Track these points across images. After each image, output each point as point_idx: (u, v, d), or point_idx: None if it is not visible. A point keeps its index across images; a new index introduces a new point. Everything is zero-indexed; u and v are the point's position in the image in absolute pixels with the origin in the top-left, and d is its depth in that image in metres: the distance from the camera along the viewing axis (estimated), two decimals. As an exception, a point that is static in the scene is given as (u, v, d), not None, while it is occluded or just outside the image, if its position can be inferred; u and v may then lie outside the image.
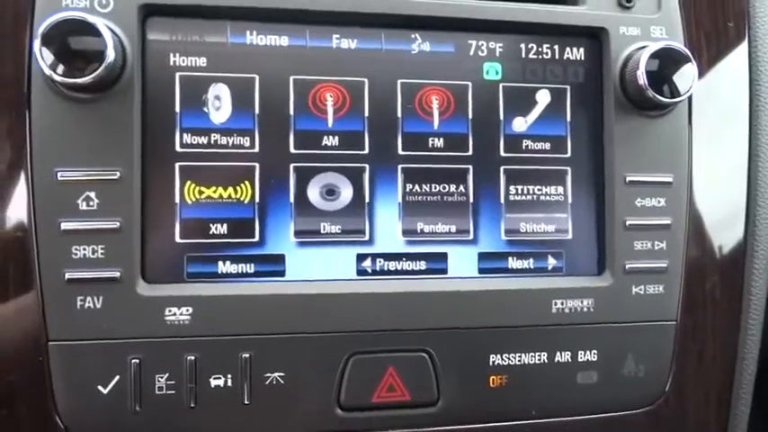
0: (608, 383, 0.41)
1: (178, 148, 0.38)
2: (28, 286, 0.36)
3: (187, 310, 0.37)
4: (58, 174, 0.36)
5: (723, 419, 0.45)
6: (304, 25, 0.40)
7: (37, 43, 0.34)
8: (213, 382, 0.37)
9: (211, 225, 0.39)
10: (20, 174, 0.36)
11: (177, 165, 0.38)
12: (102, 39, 0.34)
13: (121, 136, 0.37)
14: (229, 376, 0.37)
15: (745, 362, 0.45)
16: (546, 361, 0.41)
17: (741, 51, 0.46)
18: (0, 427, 0.37)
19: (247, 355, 0.37)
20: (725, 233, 0.45)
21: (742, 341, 0.45)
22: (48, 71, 0.34)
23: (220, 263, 0.39)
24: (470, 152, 0.41)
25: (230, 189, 0.39)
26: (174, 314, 0.37)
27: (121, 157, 0.37)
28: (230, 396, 0.37)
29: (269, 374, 0.38)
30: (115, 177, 0.36)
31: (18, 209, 0.36)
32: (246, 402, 0.38)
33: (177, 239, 0.38)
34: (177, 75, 0.39)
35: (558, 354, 0.41)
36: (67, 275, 0.36)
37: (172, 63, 0.38)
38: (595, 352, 0.41)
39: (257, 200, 0.39)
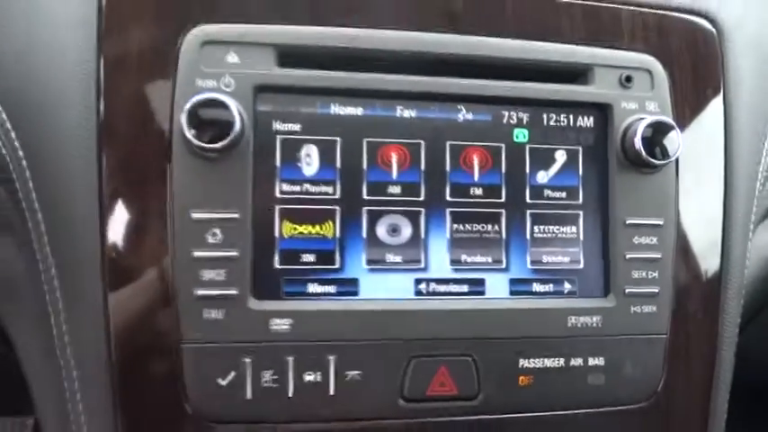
0: (612, 383, 0.52)
1: (278, 195, 0.49)
2: (167, 300, 0.47)
3: (287, 321, 0.47)
4: (192, 213, 0.47)
5: (705, 413, 0.56)
6: (375, 99, 0.51)
7: (183, 117, 0.45)
8: (306, 378, 0.48)
9: (302, 254, 0.50)
10: (163, 214, 0.47)
11: (277, 207, 0.49)
12: (231, 112, 0.45)
13: (239, 185, 0.47)
14: (319, 373, 0.48)
15: (723, 367, 0.56)
16: (563, 365, 0.51)
17: (718, 114, 0.57)
18: (139, 413, 0.47)
19: (332, 357, 0.48)
20: (704, 265, 0.55)
21: (719, 351, 0.56)
22: (191, 138, 0.45)
23: (309, 284, 0.50)
24: (503, 199, 0.52)
25: (317, 226, 0.50)
26: (278, 324, 0.47)
27: (239, 201, 0.47)
28: (319, 389, 0.48)
29: (348, 372, 0.48)
30: (236, 217, 0.47)
31: (161, 241, 0.47)
32: (332, 394, 0.48)
33: (276, 265, 0.49)
34: (278, 137, 0.50)
35: (573, 359, 0.51)
36: (197, 293, 0.47)
37: (274, 129, 0.50)
38: (602, 358, 0.52)
39: (338, 235, 0.50)
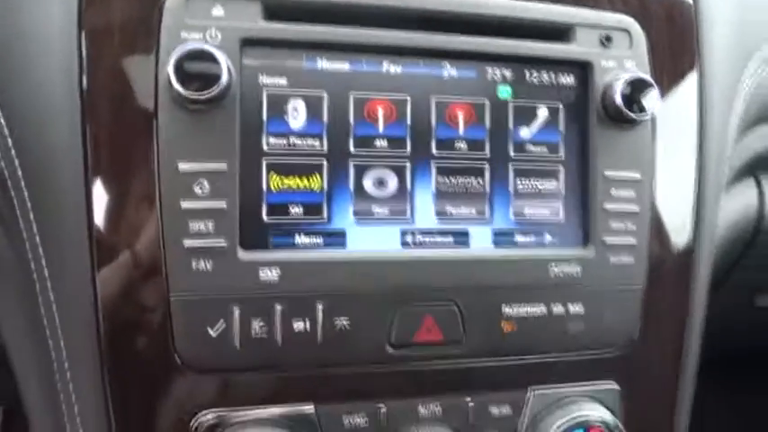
0: (592, 331, 0.54)
1: (265, 148, 0.50)
2: (156, 252, 0.47)
3: (276, 271, 0.48)
4: (180, 165, 0.47)
5: (677, 365, 0.58)
6: (361, 54, 0.52)
7: (171, 68, 0.45)
8: (295, 326, 0.49)
9: (290, 207, 0.50)
10: (150, 165, 0.47)
11: (264, 160, 0.50)
12: (219, 64, 0.46)
13: (226, 138, 0.48)
14: (308, 321, 0.49)
15: (694, 318, 0.58)
16: (544, 313, 0.53)
17: (692, 80, 0.59)
18: (130, 364, 0.48)
19: (320, 305, 0.49)
20: (679, 221, 0.58)
21: (692, 305, 0.58)
22: (178, 88, 0.45)
23: (297, 236, 0.50)
24: (487, 153, 0.54)
25: (305, 179, 0.51)
26: (266, 274, 0.48)
27: (226, 153, 0.48)
28: (308, 337, 0.49)
29: (337, 320, 0.49)
30: (223, 169, 0.48)
31: (148, 192, 0.47)
32: (320, 341, 0.49)
33: (264, 217, 0.50)
34: (264, 91, 0.50)
35: (554, 307, 0.53)
36: (186, 244, 0.47)
37: (260, 82, 0.50)
38: (582, 306, 0.54)
39: (325, 188, 0.51)
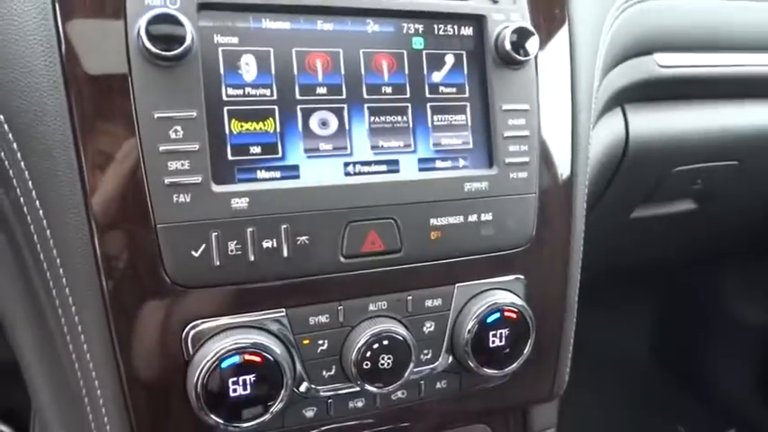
0: (500, 234, 0.68)
1: (225, 98, 0.58)
2: (141, 189, 0.55)
3: (245, 200, 0.58)
4: (155, 114, 0.55)
5: (566, 252, 0.74)
6: (299, 14, 0.61)
7: (143, 29, 0.52)
8: (265, 245, 0.58)
9: (250, 147, 0.60)
10: (129, 115, 0.55)
11: (225, 108, 0.58)
12: (183, 27, 0.53)
13: (193, 89, 0.56)
14: (275, 240, 0.59)
15: (576, 219, 0.74)
16: (462, 221, 0.66)
17: (563, 27, 0.73)
18: (127, 284, 0.56)
19: (284, 226, 0.59)
20: (560, 141, 0.72)
21: (574, 206, 0.74)
22: (150, 47, 0.53)
23: (258, 171, 0.60)
24: (408, 95, 0.65)
25: (260, 123, 0.60)
26: (237, 203, 0.57)
27: (194, 103, 0.56)
28: (276, 253, 0.59)
29: (298, 238, 0.60)
30: (193, 116, 0.56)
31: (130, 138, 0.55)
32: (286, 256, 0.59)
33: (230, 157, 0.59)
34: (220, 49, 0.58)
35: (470, 217, 0.66)
36: (166, 181, 0.55)
37: (216, 41, 0.58)
38: (491, 214, 0.67)
39: (278, 130, 0.60)
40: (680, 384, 2.10)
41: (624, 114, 0.93)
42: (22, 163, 0.54)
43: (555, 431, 0.85)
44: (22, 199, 0.55)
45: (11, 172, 0.55)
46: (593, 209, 0.83)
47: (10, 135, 0.54)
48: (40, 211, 0.55)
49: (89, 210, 0.54)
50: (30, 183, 0.54)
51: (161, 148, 0.55)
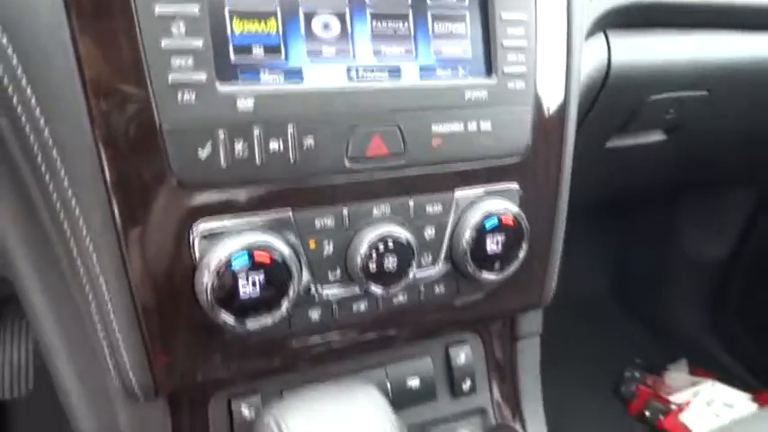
0: (498, 142, 0.69)
1: None
2: (144, 87, 0.54)
3: (251, 100, 0.57)
4: (156, 9, 0.53)
5: (559, 163, 0.76)
6: None
7: None
8: (271, 147, 0.58)
9: (253, 47, 0.58)
10: (128, 10, 0.53)
11: (227, 6, 0.57)
12: None
13: None
14: (281, 142, 0.59)
15: (569, 134, 0.76)
16: (463, 129, 0.67)
17: None
18: (133, 186, 0.55)
19: (291, 129, 0.59)
20: (556, 53, 0.73)
21: (567, 117, 0.75)
22: None
23: (261, 72, 0.59)
24: (410, 2, 0.65)
25: (263, 23, 0.59)
26: (243, 103, 0.57)
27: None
28: (283, 155, 0.59)
29: (305, 140, 0.60)
30: (195, 12, 0.54)
31: (131, 34, 0.53)
32: (292, 158, 0.59)
33: (232, 57, 0.58)
34: None
35: (469, 124, 0.67)
36: (170, 79, 0.54)
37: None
38: (490, 123, 0.68)
39: (281, 31, 0.59)
40: (638, 319, 2.21)
41: (607, 38, 0.95)
42: (19, 69, 0.52)
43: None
44: (21, 112, 0.53)
45: (10, 89, 0.52)
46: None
47: (9, 48, 0.51)
48: (41, 121, 0.53)
49: (92, 112, 0.53)
50: (29, 91, 0.52)
51: (163, 44, 0.54)
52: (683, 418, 1.84)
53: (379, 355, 0.77)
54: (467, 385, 0.82)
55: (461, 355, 0.82)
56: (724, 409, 1.82)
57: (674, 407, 1.88)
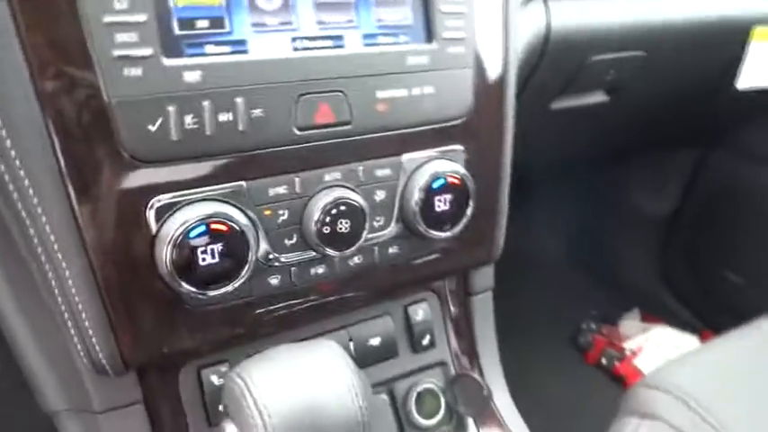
0: (441, 106, 0.72)
1: None
2: (89, 64, 0.54)
3: (198, 73, 0.58)
4: None
5: (501, 125, 0.79)
6: None
7: None
8: (221, 118, 0.60)
9: (197, 21, 0.59)
10: None
11: None
12: None
13: None
14: (230, 113, 0.60)
15: (509, 96, 0.79)
16: (406, 94, 0.69)
17: None
18: (86, 163, 0.56)
19: (239, 99, 0.60)
20: (493, 19, 0.76)
21: (506, 80, 0.79)
22: None
23: (206, 46, 0.60)
24: None
25: None
26: (190, 76, 0.58)
27: None
28: (233, 126, 0.60)
29: (253, 111, 0.61)
30: None
31: (73, 11, 0.53)
32: (242, 129, 0.61)
33: (176, 31, 0.58)
34: None
35: (413, 90, 0.70)
36: (115, 54, 0.55)
37: None
38: (433, 87, 0.71)
39: (223, 3, 0.60)
40: (592, 275, 2.31)
41: (546, 4, 0.98)
42: None
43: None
44: None
45: None
46: (518, 99, 0.89)
47: None
48: None
49: (39, 92, 0.53)
50: None
51: (105, 20, 0.54)
52: (637, 362, 1.95)
53: (341, 318, 0.81)
54: (426, 341, 0.86)
55: (420, 313, 0.86)
56: (673, 350, 1.93)
57: (628, 353, 1.99)
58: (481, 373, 0.91)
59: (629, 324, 2.13)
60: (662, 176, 2.14)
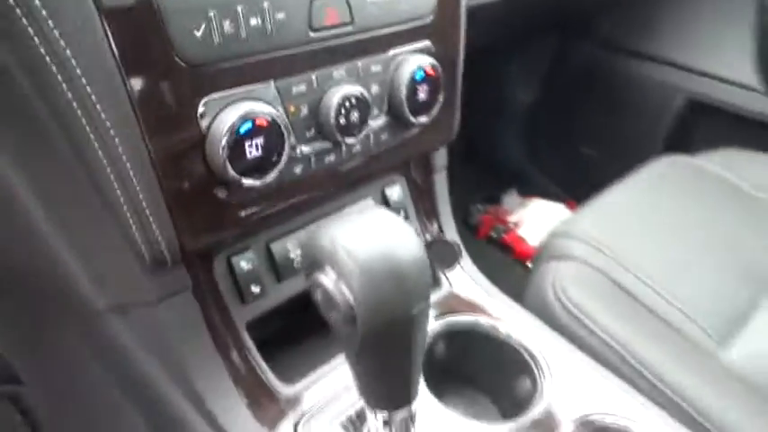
0: (413, 6, 0.83)
1: None
2: None
3: None
4: None
5: (458, 26, 0.92)
6: None
7: None
8: (252, 22, 0.66)
9: None
10: None
11: None
12: None
13: None
14: (259, 17, 0.66)
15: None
16: None
17: None
18: (143, 66, 0.60)
19: (266, 4, 0.66)
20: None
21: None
22: None
23: None
24: None
25: None
26: None
27: None
28: (261, 28, 0.66)
29: (278, 14, 0.68)
30: None
31: None
32: (269, 31, 0.68)
33: None
34: None
35: None
36: None
37: None
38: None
39: None
40: (477, 161, 2.59)
41: None
42: None
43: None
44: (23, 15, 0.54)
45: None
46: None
47: None
48: (49, 22, 0.55)
49: (98, 4, 0.56)
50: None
51: None
52: (520, 231, 2.29)
53: (336, 201, 0.93)
54: (402, 215, 1.01)
55: (395, 192, 1.00)
56: (547, 218, 2.30)
57: (511, 225, 2.33)
58: (441, 231, 1.09)
59: (510, 200, 2.46)
60: (527, 67, 2.41)
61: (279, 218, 0.84)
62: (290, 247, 0.87)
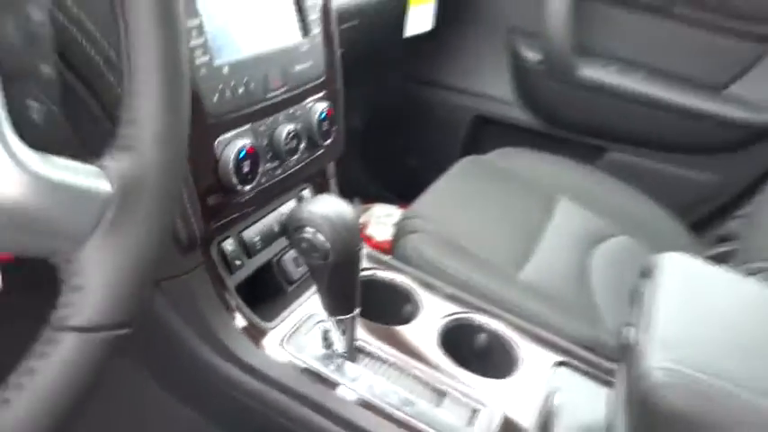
0: (314, 70, 1.32)
1: None
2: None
3: (227, 68, 1.07)
4: None
5: (336, 78, 1.43)
6: None
7: None
8: (239, 90, 1.09)
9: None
10: None
11: None
12: None
13: None
14: (242, 87, 1.10)
15: (336, 55, 1.43)
16: (304, 67, 1.27)
17: None
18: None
19: (245, 78, 1.11)
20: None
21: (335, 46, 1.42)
22: None
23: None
24: None
25: None
26: (226, 70, 1.06)
27: None
28: (245, 93, 1.08)
29: (250, 83, 1.12)
30: None
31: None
32: (248, 93, 1.12)
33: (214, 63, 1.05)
34: None
35: (306, 63, 1.28)
36: (196, 62, 1.00)
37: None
38: (311, 61, 1.30)
39: None
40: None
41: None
42: None
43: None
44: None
45: None
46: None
47: None
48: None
49: None
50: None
51: (192, 43, 0.99)
52: (367, 231, 2.86)
53: (273, 204, 1.35)
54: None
55: (307, 194, 1.47)
56: (387, 218, 2.90)
57: (359, 226, 2.87)
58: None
59: (356, 209, 3.02)
60: (363, 98, 3.01)
61: (244, 216, 1.27)
62: (252, 235, 1.29)
